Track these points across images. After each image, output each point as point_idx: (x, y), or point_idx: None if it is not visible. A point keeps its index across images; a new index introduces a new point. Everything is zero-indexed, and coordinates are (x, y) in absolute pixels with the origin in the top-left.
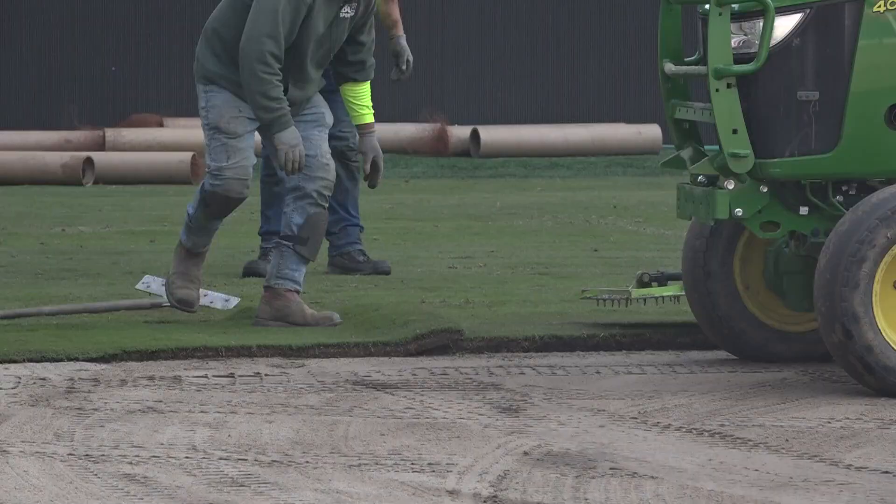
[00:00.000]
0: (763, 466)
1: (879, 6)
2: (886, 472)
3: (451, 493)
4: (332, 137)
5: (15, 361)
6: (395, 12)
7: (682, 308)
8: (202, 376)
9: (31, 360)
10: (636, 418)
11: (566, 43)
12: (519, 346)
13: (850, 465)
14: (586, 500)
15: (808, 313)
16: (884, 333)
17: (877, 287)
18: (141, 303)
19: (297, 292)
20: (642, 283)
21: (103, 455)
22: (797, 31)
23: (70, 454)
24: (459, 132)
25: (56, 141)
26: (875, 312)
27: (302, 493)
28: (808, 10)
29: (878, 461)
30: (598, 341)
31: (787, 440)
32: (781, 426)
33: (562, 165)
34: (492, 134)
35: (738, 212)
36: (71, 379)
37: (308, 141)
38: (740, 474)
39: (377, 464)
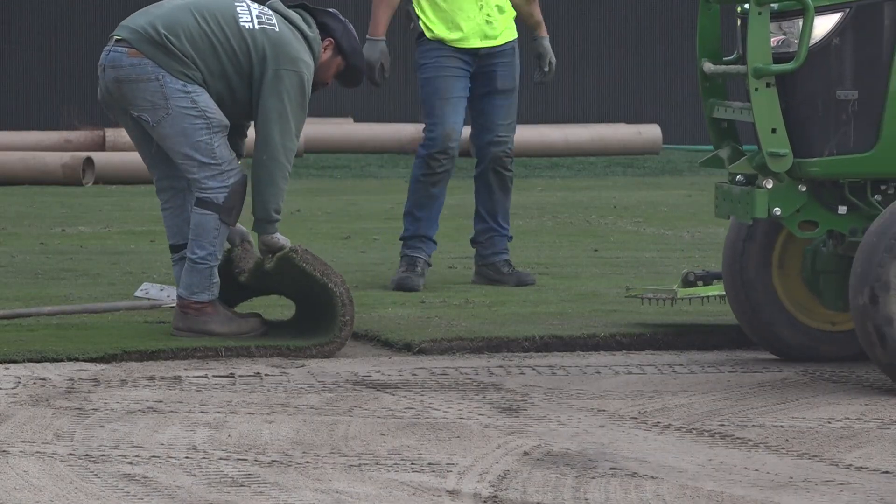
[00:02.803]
0: (763, 466)
1: None
2: (886, 472)
3: (451, 493)
4: (489, 143)
5: (15, 361)
6: (537, 13)
7: (682, 308)
8: (202, 376)
9: (31, 360)
10: (636, 418)
11: (566, 43)
12: (519, 346)
13: (851, 465)
14: (586, 500)
15: (840, 313)
16: None
17: None
18: (140, 303)
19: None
20: (687, 283)
21: (103, 455)
22: (836, 31)
23: (70, 454)
24: None
25: (56, 141)
26: None
27: (302, 493)
28: (847, 10)
29: (878, 461)
30: (598, 341)
31: (787, 440)
32: (781, 426)
33: (562, 165)
34: None
35: (777, 211)
36: (71, 379)
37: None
38: (740, 474)
39: (377, 464)
